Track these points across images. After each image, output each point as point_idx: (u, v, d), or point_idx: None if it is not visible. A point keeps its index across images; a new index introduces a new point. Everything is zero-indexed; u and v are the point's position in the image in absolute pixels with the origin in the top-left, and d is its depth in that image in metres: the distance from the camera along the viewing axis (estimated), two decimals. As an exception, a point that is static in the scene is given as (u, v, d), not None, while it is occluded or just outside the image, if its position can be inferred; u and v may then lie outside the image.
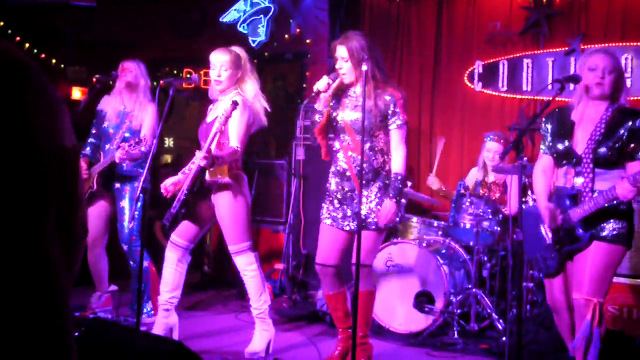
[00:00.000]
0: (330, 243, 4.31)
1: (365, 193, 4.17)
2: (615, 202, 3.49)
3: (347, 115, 4.25)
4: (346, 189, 4.26)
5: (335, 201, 4.30)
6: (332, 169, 4.35)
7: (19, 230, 1.06)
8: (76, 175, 1.18)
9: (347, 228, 4.26)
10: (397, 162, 4.19)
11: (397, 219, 4.24)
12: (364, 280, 4.14)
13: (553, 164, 3.86)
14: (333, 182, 4.32)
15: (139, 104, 5.30)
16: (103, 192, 5.35)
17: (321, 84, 4.19)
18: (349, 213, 4.24)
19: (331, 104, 4.29)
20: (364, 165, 4.11)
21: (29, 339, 1.08)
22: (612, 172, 3.58)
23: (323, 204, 4.38)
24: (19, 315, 1.07)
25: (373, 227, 4.18)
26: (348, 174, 4.24)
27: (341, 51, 4.19)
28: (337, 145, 4.33)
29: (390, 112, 4.15)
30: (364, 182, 4.13)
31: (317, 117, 4.31)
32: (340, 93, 4.32)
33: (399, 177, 4.16)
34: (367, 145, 4.15)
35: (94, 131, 5.46)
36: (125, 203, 5.28)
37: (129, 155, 5.00)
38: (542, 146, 3.93)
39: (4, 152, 1.03)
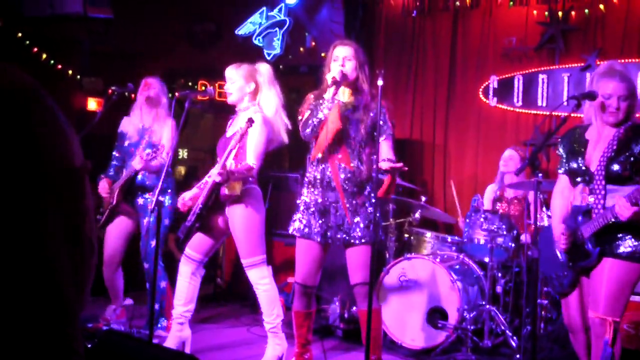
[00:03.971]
0: (311, 261, 4.18)
1: (349, 207, 4.09)
2: (617, 219, 3.44)
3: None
4: (330, 200, 4.12)
5: (316, 213, 4.15)
6: (312, 178, 4.19)
7: (27, 247, 1.09)
8: (83, 192, 1.22)
9: (329, 242, 4.15)
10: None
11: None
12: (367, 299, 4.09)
13: (570, 183, 3.83)
14: (312, 193, 4.17)
15: (158, 119, 5.30)
16: (125, 209, 5.34)
17: (336, 72, 4.03)
18: (331, 225, 4.12)
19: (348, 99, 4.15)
20: (350, 176, 4.08)
21: (34, 345, 1.11)
22: (624, 188, 3.54)
23: (298, 217, 4.22)
24: (24, 324, 1.10)
25: (358, 241, 4.07)
26: (333, 184, 4.11)
27: (345, 51, 4.12)
28: (324, 153, 4.15)
29: (377, 122, 4.02)
30: (349, 194, 4.09)
31: (325, 108, 4.04)
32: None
33: None
34: (356, 157, 4.09)
35: (116, 154, 5.42)
36: (148, 220, 5.25)
37: (146, 164, 5.01)
38: (559, 167, 3.89)
39: (13, 172, 1.07)
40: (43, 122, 1.14)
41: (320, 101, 4.08)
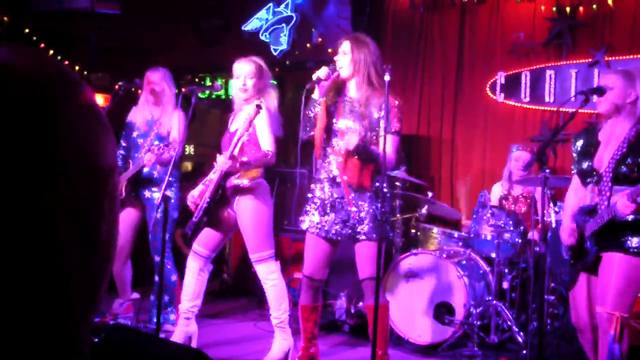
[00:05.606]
0: (319, 255, 4.23)
1: (354, 202, 4.09)
2: (617, 217, 3.45)
3: (342, 120, 4.16)
4: (335, 195, 4.15)
5: (322, 209, 4.19)
6: (319, 174, 4.23)
7: (37, 245, 1.08)
8: (104, 193, 1.20)
9: (335, 237, 4.16)
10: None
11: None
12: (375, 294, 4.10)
13: (581, 183, 3.85)
14: (319, 189, 4.22)
15: (166, 111, 5.30)
16: (132, 201, 5.34)
17: (321, 72, 4.10)
18: (336, 221, 4.14)
19: (330, 94, 4.20)
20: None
21: (36, 342, 1.10)
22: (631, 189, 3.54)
23: (307, 213, 4.26)
24: (26, 321, 1.09)
25: (364, 237, 4.09)
26: (338, 180, 4.14)
27: (343, 45, 4.16)
28: (327, 150, 4.21)
29: (382, 118, 4.04)
30: (353, 190, 4.09)
31: (314, 107, 4.15)
32: (336, 96, 4.22)
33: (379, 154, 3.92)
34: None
35: (123, 143, 5.42)
36: (157, 213, 5.24)
37: (158, 159, 5.00)
38: (572, 167, 3.94)
39: (33, 168, 1.06)
40: (69, 120, 1.12)
41: (311, 102, 4.15)
